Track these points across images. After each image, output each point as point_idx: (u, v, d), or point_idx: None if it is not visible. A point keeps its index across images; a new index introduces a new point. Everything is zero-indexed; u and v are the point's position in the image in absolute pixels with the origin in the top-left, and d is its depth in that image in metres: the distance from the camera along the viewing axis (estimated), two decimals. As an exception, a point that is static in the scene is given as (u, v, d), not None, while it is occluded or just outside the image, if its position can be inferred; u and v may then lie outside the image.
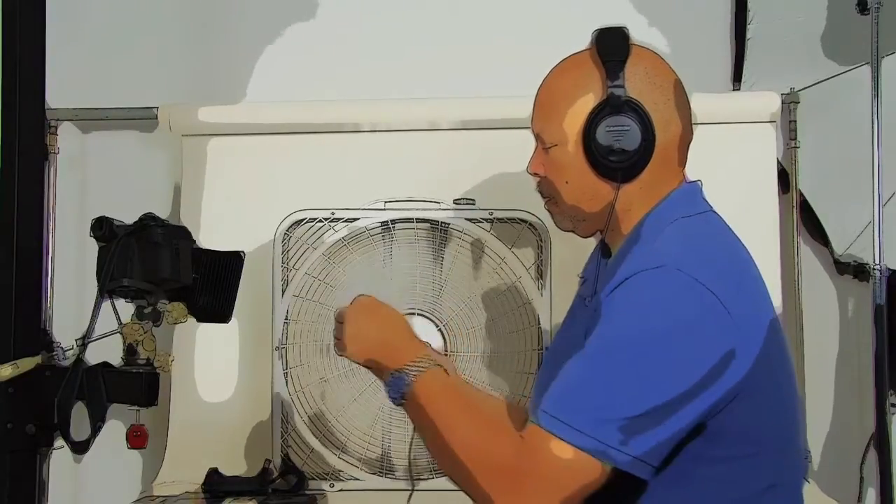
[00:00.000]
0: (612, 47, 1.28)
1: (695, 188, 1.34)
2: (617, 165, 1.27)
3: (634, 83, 1.27)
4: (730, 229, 1.31)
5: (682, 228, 1.27)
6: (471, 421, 1.22)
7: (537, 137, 1.35)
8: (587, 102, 1.28)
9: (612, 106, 1.26)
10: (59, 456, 1.34)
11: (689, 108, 1.33)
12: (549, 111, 1.32)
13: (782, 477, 1.24)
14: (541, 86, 1.35)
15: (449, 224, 2.08)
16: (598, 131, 1.26)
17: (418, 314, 2.04)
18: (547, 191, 1.36)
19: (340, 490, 2.03)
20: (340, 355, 1.36)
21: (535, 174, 1.36)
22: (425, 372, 1.25)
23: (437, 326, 2.04)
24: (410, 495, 1.51)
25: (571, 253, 2.00)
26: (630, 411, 1.12)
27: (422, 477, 2.01)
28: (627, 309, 1.17)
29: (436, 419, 1.21)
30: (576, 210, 1.33)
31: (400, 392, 1.25)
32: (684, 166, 1.34)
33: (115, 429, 1.40)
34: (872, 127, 2.00)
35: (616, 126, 1.26)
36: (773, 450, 1.23)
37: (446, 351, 2.03)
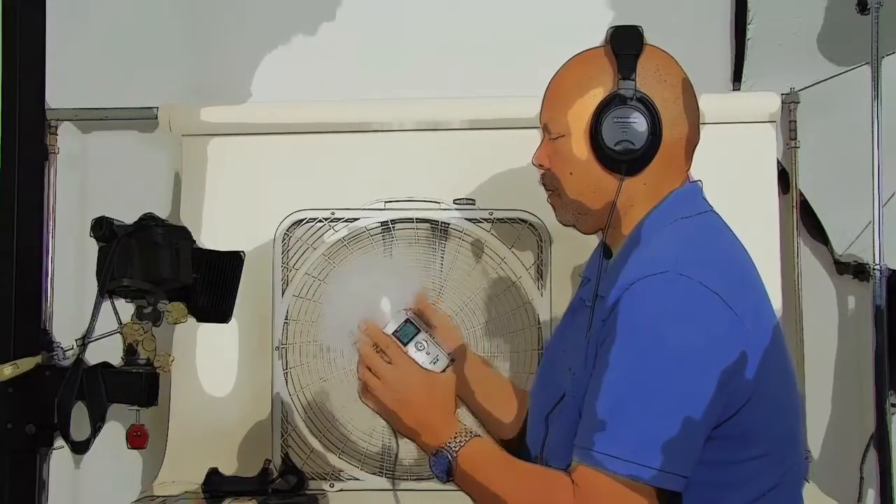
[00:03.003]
0: (625, 42, 1.29)
1: (695, 188, 1.34)
2: (622, 157, 1.27)
3: (645, 79, 1.28)
4: (729, 230, 1.31)
5: (681, 229, 1.27)
6: (521, 480, 1.24)
7: (545, 128, 1.36)
8: (597, 95, 1.29)
9: (620, 98, 1.27)
10: (59, 456, 1.34)
11: (698, 110, 1.33)
12: (559, 102, 1.33)
13: (785, 477, 1.24)
14: (553, 77, 1.36)
15: (449, 224, 2.08)
16: (605, 123, 1.27)
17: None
18: (550, 183, 1.36)
19: (340, 490, 2.03)
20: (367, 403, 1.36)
21: (540, 166, 1.36)
22: (466, 445, 1.27)
23: (438, 326, 2.04)
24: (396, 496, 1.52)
25: (571, 253, 2.01)
26: (667, 431, 1.14)
27: (422, 477, 2.01)
28: (640, 325, 1.17)
29: (489, 485, 1.24)
30: (578, 204, 1.33)
31: (445, 469, 1.27)
32: (689, 168, 1.34)
33: (115, 429, 1.40)
34: (872, 127, 2.00)
35: (623, 118, 1.26)
36: (777, 451, 1.23)
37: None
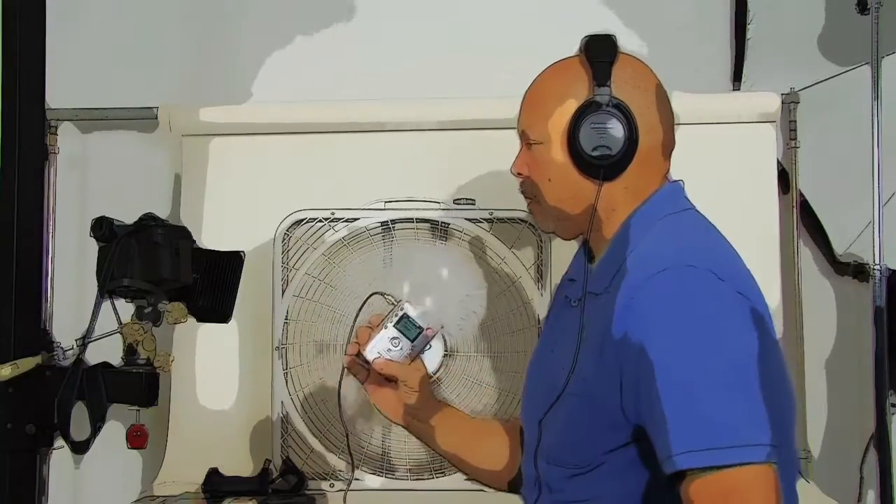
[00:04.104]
0: (600, 50, 1.30)
1: (677, 188, 1.35)
2: (599, 163, 1.28)
3: (620, 86, 1.29)
4: (715, 227, 1.32)
5: (669, 225, 1.28)
6: None
7: (522, 135, 1.37)
8: (573, 102, 1.30)
9: (596, 105, 1.28)
10: (59, 456, 1.34)
11: (672, 114, 1.34)
12: (536, 109, 1.34)
13: (780, 466, 1.24)
14: (529, 86, 1.37)
15: (449, 224, 2.08)
16: (582, 129, 1.28)
17: (418, 314, 2.04)
18: (530, 191, 1.36)
19: (340, 490, 2.03)
20: None
21: (519, 174, 1.37)
22: None
23: (437, 327, 2.04)
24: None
25: (571, 253, 1.99)
26: (755, 410, 1.13)
27: (422, 477, 2.02)
28: (676, 329, 1.16)
29: None
30: (558, 210, 1.34)
31: None
32: (668, 172, 1.35)
33: (115, 429, 1.40)
34: (872, 127, 2.00)
35: (600, 124, 1.27)
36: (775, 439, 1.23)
37: (446, 351, 2.03)
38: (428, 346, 1.44)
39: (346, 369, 1.48)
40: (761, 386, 1.13)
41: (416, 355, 1.43)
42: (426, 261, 2.07)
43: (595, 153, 1.28)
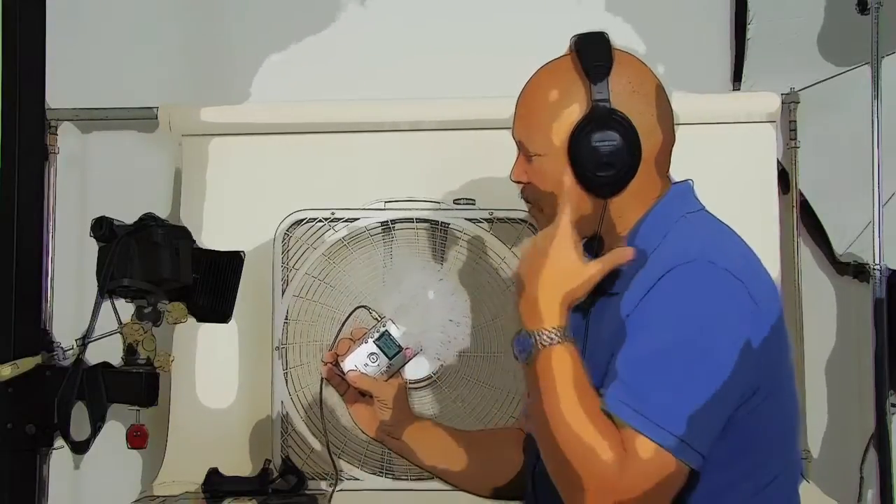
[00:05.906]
0: (594, 54, 1.25)
1: (688, 187, 1.34)
2: (604, 181, 1.25)
3: (618, 92, 1.24)
4: (727, 225, 1.32)
5: (691, 223, 1.27)
6: (577, 412, 1.15)
7: (520, 145, 1.33)
8: (572, 114, 1.25)
9: (597, 119, 1.23)
10: (59, 456, 1.34)
11: (671, 112, 1.31)
12: (532, 121, 1.30)
13: (784, 469, 1.25)
14: (521, 94, 1.33)
15: (449, 224, 2.08)
16: (583, 147, 1.24)
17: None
18: (532, 196, 1.34)
19: (340, 490, 2.02)
20: None
21: (519, 182, 1.34)
22: (553, 346, 1.20)
23: (437, 326, 2.04)
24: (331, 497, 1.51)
25: (571, 253, 2.01)
26: (694, 407, 1.12)
27: (422, 477, 2.01)
28: (672, 308, 1.16)
29: (547, 398, 1.17)
30: None
31: (525, 355, 1.23)
32: (668, 170, 1.34)
33: (115, 429, 1.40)
34: (872, 127, 2.00)
35: (603, 141, 1.23)
36: (779, 441, 1.24)
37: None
38: (417, 353, 1.44)
39: (324, 379, 1.48)
40: (727, 389, 1.14)
41: (392, 373, 1.43)
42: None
43: (600, 173, 1.24)
